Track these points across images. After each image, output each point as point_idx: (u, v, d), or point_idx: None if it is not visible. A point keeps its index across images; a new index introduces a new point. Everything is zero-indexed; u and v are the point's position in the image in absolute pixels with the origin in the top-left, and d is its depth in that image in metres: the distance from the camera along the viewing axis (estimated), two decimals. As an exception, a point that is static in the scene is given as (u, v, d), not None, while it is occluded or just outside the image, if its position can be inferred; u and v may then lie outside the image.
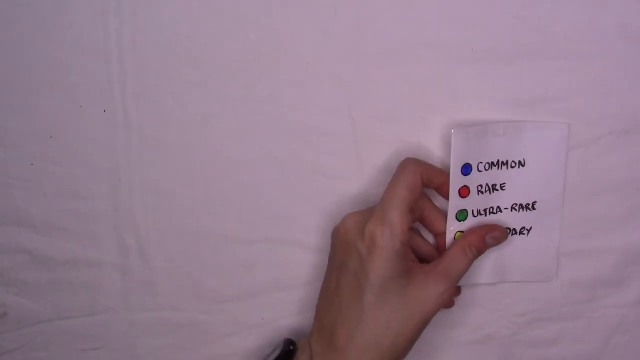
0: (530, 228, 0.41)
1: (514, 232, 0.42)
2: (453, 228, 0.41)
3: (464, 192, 0.40)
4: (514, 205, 0.41)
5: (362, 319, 0.37)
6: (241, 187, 0.44)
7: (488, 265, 0.42)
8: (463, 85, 0.41)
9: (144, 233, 0.45)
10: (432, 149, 0.42)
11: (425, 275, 0.38)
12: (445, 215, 0.40)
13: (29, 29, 0.43)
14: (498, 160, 0.40)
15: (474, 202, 0.41)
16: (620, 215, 0.41)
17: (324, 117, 0.42)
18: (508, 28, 0.40)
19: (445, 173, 0.40)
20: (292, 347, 0.41)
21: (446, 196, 0.40)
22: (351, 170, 0.43)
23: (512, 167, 0.40)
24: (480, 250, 0.40)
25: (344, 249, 0.38)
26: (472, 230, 0.41)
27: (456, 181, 0.40)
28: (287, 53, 0.42)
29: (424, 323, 0.38)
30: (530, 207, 0.41)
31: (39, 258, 0.46)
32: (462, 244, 0.39)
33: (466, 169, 0.40)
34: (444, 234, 0.41)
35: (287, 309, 0.45)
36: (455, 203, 0.40)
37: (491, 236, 0.40)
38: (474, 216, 0.41)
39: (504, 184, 0.41)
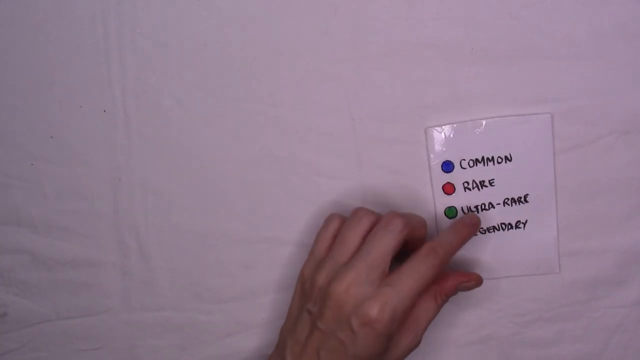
0: (526, 221, 0.42)
1: (509, 227, 0.42)
2: (444, 226, 0.42)
3: (448, 189, 0.42)
4: (506, 200, 0.41)
5: None
6: (241, 187, 0.44)
7: (489, 261, 0.42)
8: (463, 85, 0.41)
9: (144, 233, 0.45)
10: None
11: (399, 335, 0.37)
12: None
13: (29, 29, 0.43)
14: (483, 157, 0.41)
15: (461, 199, 0.42)
16: (620, 215, 0.41)
17: (324, 117, 0.42)
18: (508, 28, 0.40)
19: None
20: None
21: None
22: (351, 170, 0.43)
23: (498, 162, 0.41)
24: (449, 297, 0.40)
25: (335, 316, 0.36)
26: (445, 277, 0.40)
27: (437, 178, 0.41)
28: (287, 53, 0.42)
29: None
30: (522, 200, 0.41)
31: (39, 258, 0.46)
32: (434, 292, 0.39)
33: (447, 166, 0.41)
34: None
35: (287, 309, 0.45)
36: (440, 200, 0.42)
37: (464, 285, 0.40)
38: (465, 213, 0.42)
39: (492, 179, 0.41)
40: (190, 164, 0.44)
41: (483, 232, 0.42)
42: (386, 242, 0.36)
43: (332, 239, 0.39)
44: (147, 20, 0.43)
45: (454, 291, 0.40)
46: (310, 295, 0.38)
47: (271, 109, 0.43)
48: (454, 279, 0.40)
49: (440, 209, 0.42)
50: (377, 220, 0.38)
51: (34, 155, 0.45)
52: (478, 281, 0.40)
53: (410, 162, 0.42)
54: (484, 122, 0.41)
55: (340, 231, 0.39)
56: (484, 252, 0.42)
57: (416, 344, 0.38)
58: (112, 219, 0.45)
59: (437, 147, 0.42)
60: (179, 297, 0.46)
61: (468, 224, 0.40)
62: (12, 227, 0.46)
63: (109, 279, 0.46)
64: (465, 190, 0.42)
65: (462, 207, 0.42)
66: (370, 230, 0.38)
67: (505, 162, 0.41)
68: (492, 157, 0.41)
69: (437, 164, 0.42)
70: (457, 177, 0.42)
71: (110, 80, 0.43)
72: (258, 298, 0.45)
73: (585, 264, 0.42)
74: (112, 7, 0.43)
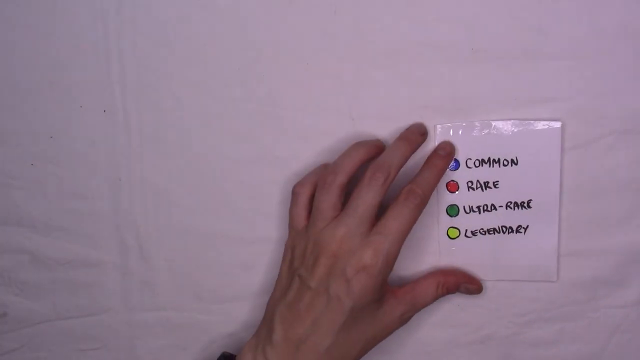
0: (527, 226, 0.42)
1: (510, 230, 0.42)
2: (444, 223, 0.42)
3: (452, 187, 0.42)
4: (509, 203, 0.41)
5: (333, 340, 0.37)
6: (241, 187, 0.44)
7: (486, 263, 0.42)
8: (463, 85, 0.41)
9: (144, 233, 0.45)
10: (432, 149, 0.42)
11: (395, 300, 0.39)
12: None
13: (29, 29, 0.43)
14: (489, 158, 0.41)
15: (464, 198, 0.42)
16: (620, 215, 0.41)
17: (324, 117, 0.42)
18: (508, 28, 0.40)
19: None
20: None
21: None
22: (351, 170, 0.43)
23: (504, 165, 0.41)
24: (450, 293, 0.41)
25: (329, 270, 0.37)
26: (453, 272, 0.42)
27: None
28: (287, 53, 0.42)
29: (381, 340, 0.40)
30: (526, 205, 0.41)
31: (39, 258, 0.46)
32: (438, 280, 0.41)
33: (453, 164, 0.41)
34: None
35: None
36: (443, 197, 0.42)
37: (466, 286, 0.42)
38: (467, 212, 0.42)
39: (497, 181, 0.41)
40: (190, 164, 0.44)
41: (483, 233, 0.42)
42: (371, 197, 0.37)
43: (306, 208, 0.40)
44: (147, 20, 0.43)
45: (456, 288, 0.42)
46: (301, 262, 0.39)
47: (271, 109, 0.43)
48: (459, 277, 0.42)
49: (443, 206, 0.42)
50: (346, 179, 0.39)
51: (34, 155, 0.45)
52: (479, 289, 0.42)
53: (409, 162, 0.42)
54: (492, 124, 0.41)
55: (316, 200, 0.39)
56: (482, 252, 0.42)
57: (405, 320, 0.40)
58: (112, 219, 0.45)
59: None
60: (179, 297, 0.46)
61: (442, 155, 0.41)
62: (12, 227, 0.46)
63: (109, 279, 0.46)
64: (468, 190, 0.42)
65: (464, 207, 0.42)
66: (342, 193, 0.39)
67: (511, 165, 0.41)
68: (498, 159, 0.41)
69: None
70: (462, 175, 0.42)
71: (110, 80, 0.43)
72: (258, 298, 0.45)
73: (585, 264, 0.42)
74: (112, 7, 0.43)
